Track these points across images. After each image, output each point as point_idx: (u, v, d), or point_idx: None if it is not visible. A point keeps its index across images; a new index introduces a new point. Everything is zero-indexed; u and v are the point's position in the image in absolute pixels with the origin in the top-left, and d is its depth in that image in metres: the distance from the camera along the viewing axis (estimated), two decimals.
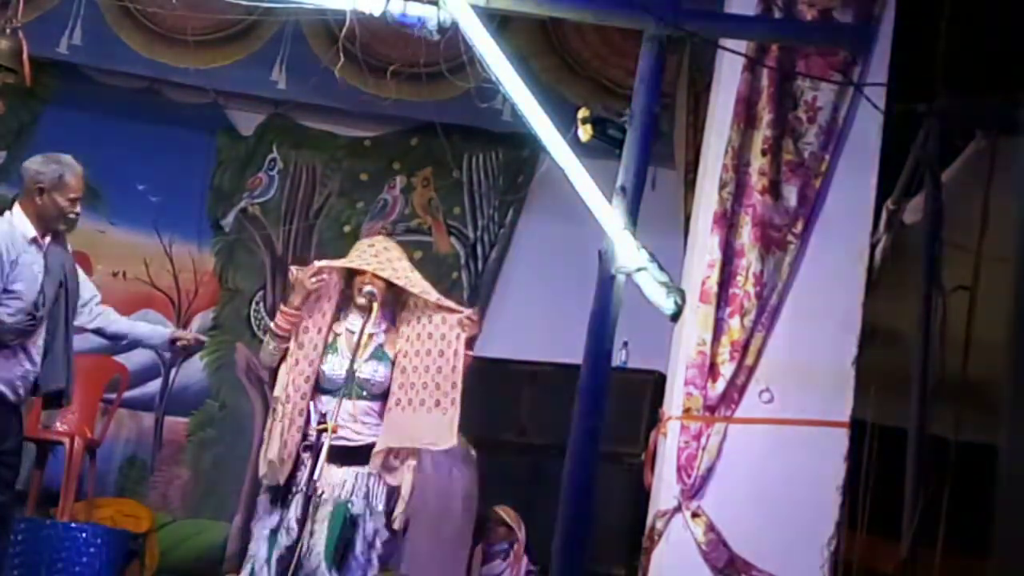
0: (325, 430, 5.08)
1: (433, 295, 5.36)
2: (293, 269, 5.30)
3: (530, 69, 7.40)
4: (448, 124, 8.46)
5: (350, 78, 7.94)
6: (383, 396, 5.23)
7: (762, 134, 5.89)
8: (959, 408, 5.08)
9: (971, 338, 5.19)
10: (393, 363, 5.25)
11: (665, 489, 5.71)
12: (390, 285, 5.28)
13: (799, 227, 5.80)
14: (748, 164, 5.89)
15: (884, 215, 5.76)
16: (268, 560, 5.10)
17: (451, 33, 5.37)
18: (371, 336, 5.28)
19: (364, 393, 5.19)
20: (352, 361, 5.14)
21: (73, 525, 7.32)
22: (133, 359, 8.82)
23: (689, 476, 5.65)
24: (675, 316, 5.25)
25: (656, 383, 6.83)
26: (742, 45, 5.85)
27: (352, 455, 5.15)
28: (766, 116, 5.90)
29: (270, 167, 9.26)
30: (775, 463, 5.65)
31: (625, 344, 7.04)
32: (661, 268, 5.18)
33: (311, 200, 9.14)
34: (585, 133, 5.39)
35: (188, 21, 8.26)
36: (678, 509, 5.65)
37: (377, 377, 5.20)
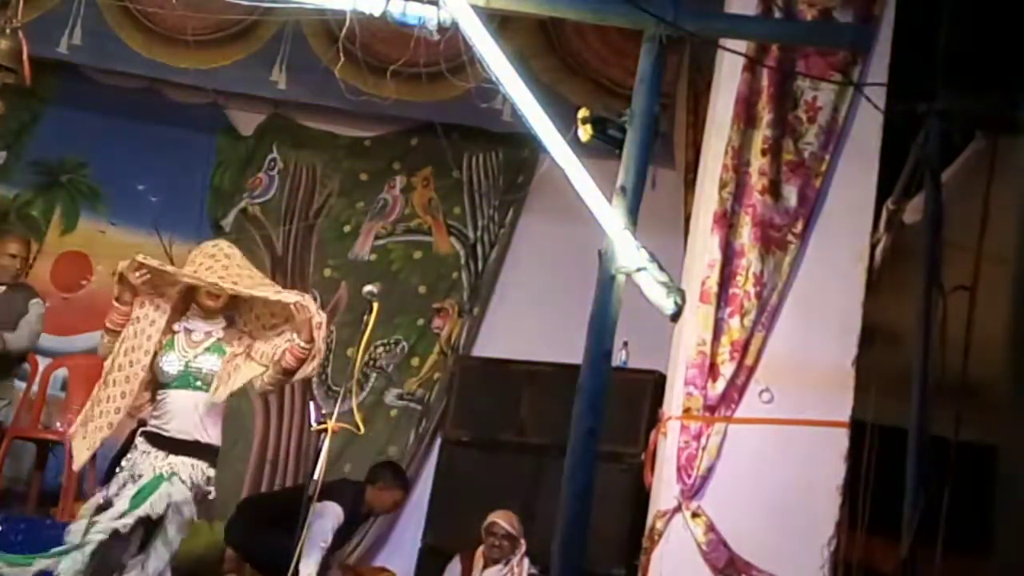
0: (325, 430, 5.09)
1: (270, 291, 5.34)
2: (120, 264, 5.31)
3: (530, 69, 7.39)
4: (448, 124, 8.46)
5: (350, 78, 7.94)
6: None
7: (762, 134, 5.89)
8: (959, 408, 5.07)
9: (971, 338, 5.19)
10: (225, 355, 5.32)
11: (665, 489, 5.72)
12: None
13: (799, 227, 5.81)
14: (748, 164, 5.89)
15: (884, 215, 5.77)
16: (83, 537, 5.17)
17: (451, 33, 5.37)
18: (208, 333, 5.31)
19: (199, 384, 5.21)
20: (361, 348, 5.18)
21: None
22: None
23: (689, 476, 5.65)
24: (675, 316, 5.24)
25: (656, 383, 6.83)
26: (742, 45, 5.85)
27: (185, 447, 5.22)
28: (766, 116, 5.90)
29: (270, 167, 9.26)
30: (775, 463, 5.65)
31: (625, 344, 7.03)
32: (661, 268, 5.18)
33: (311, 200, 9.14)
34: (585, 133, 5.39)
35: (188, 21, 8.26)
36: (678, 509, 5.65)
37: (208, 367, 5.23)
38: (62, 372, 8.19)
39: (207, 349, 5.27)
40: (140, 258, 5.26)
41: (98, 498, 5.25)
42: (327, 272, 8.86)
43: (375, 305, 5.22)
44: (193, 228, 9.10)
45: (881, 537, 5.41)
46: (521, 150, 8.54)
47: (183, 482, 5.13)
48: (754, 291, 5.75)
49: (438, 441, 8.09)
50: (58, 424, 7.82)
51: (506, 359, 7.83)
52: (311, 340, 5.17)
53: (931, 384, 5.00)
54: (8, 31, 5.94)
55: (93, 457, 7.79)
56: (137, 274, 5.20)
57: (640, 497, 6.33)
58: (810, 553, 5.48)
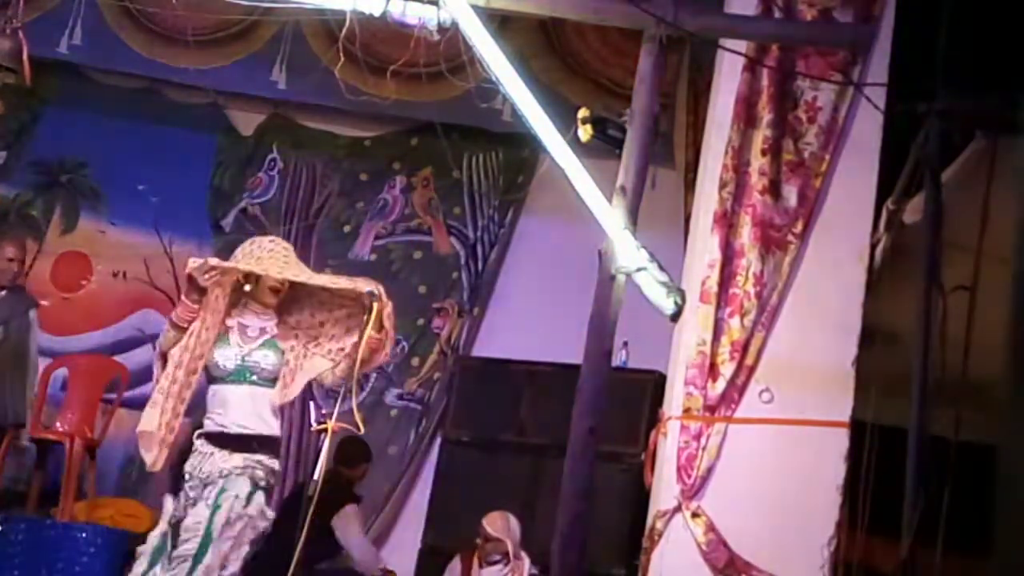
0: (325, 430, 5.08)
1: (343, 281, 5.35)
2: (190, 262, 5.31)
3: (530, 69, 7.39)
4: (448, 124, 8.46)
5: (350, 78, 7.94)
6: (273, 383, 5.26)
7: (762, 134, 5.89)
8: (959, 408, 5.07)
9: (971, 338, 5.18)
10: (283, 352, 5.28)
11: (665, 489, 5.71)
12: (290, 285, 5.31)
13: (799, 227, 5.81)
14: (748, 164, 5.89)
15: (884, 215, 5.76)
16: (161, 549, 5.14)
17: (451, 33, 5.37)
18: (263, 330, 5.31)
19: (255, 378, 5.22)
20: (359, 346, 5.17)
21: (73, 525, 7.31)
22: (133, 359, 8.83)
23: (689, 476, 5.65)
24: (675, 316, 5.25)
25: (656, 383, 6.82)
26: (742, 45, 5.85)
27: (244, 442, 5.18)
28: (766, 116, 5.90)
29: (270, 167, 9.26)
30: (775, 463, 5.65)
31: (625, 344, 7.03)
32: (661, 268, 5.18)
33: (311, 200, 9.13)
34: (585, 133, 5.39)
35: (188, 21, 8.26)
36: (678, 509, 5.65)
37: (266, 363, 5.23)
38: (62, 372, 8.20)
39: (262, 344, 5.27)
40: (213, 262, 5.28)
41: (171, 510, 5.23)
42: (327, 272, 8.85)
43: (375, 305, 5.21)
44: (193, 228, 9.12)
45: (881, 537, 5.41)
46: (521, 150, 8.54)
47: (249, 484, 5.14)
48: (754, 291, 5.75)
49: (438, 441, 8.09)
50: (58, 424, 7.82)
51: (506, 359, 7.83)
52: (382, 328, 5.22)
53: (931, 384, 5.00)
54: (8, 31, 5.94)
55: (93, 456, 7.86)
56: (207, 275, 5.20)
57: (640, 497, 6.33)
58: (810, 553, 5.48)
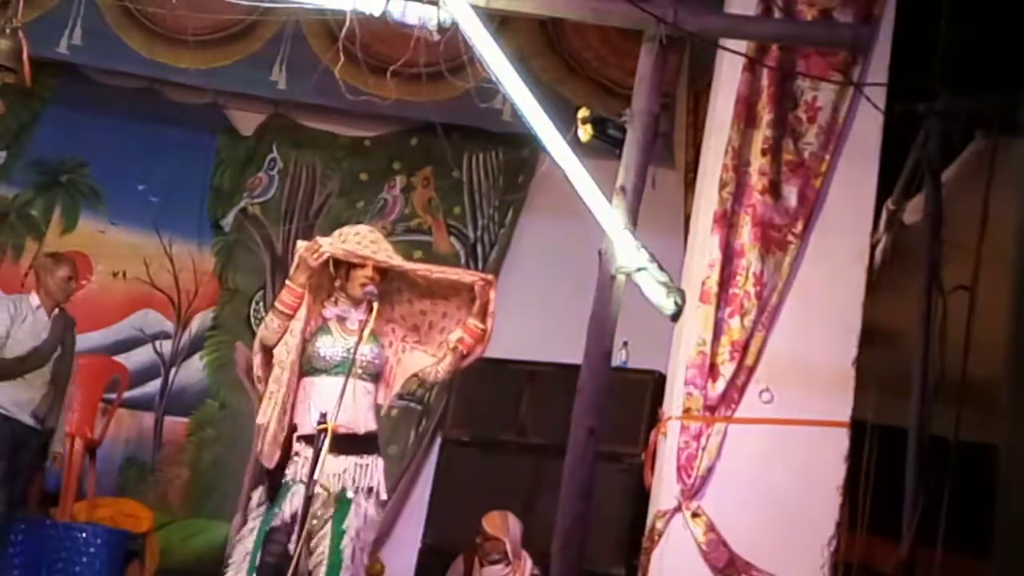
0: (325, 430, 5.07)
1: (451, 272, 5.40)
2: (300, 244, 5.29)
3: (530, 69, 7.39)
4: (448, 124, 8.45)
5: (350, 78, 7.93)
6: (377, 378, 5.25)
7: (762, 134, 5.89)
8: (959, 408, 5.07)
9: (971, 338, 5.18)
10: (383, 347, 5.28)
11: (665, 489, 5.72)
12: (383, 276, 5.30)
13: (799, 227, 5.81)
14: (748, 164, 5.89)
15: (884, 215, 5.77)
16: (254, 555, 5.11)
17: (451, 33, 5.37)
18: (361, 322, 5.29)
19: (361, 373, 5.20)
20: (357, 346, 5.14)
21: (73, 525, 7.32)
22: (133, 359, 8.83)
23: (689, 476, 5.65)
24: (675, 316, 5.25)
25: (656, 383, 6.83)
26: (742, 45, 5.85)
27: (351, 443, 5.15)
28: (766, 116, 5.90)
29: (270, 167, 9.26)
30: (775, 463, 5.65)
31: (625, 344, 7.03)
32: (661, 268, 5.18)
33: (311, 200, 9.14)
34: (585, 133, 5.39)
35: (188, 21, 8.25)
36: (678, 509, 5.65)
37: (371, 356, 5.21)
38: None
39: (364, 337, 5.19)
40: (321, 240, 5.21)
41: (253, 506, 5.21)
42: None
43: (375, 305, 5.21)
44: (193, 228, 9.12)
45: (881, 537, 5.41)
46: (521, 150, 8.54)
47: (359, 494, 5.15)
48: (754, 291, 5.75)
49: (438, 441, 8.08)
50: None
51: (506, 359, 7.81)
52: (486, 319, 5.23)
53: (931, 384, 5.00)
54: (8, 31, 5.94)
55: (93, 456, 7.86)
56: (315, 255, 5.16)
57: (640, 497, 6.33)
58: (810, 553, 5.48)
